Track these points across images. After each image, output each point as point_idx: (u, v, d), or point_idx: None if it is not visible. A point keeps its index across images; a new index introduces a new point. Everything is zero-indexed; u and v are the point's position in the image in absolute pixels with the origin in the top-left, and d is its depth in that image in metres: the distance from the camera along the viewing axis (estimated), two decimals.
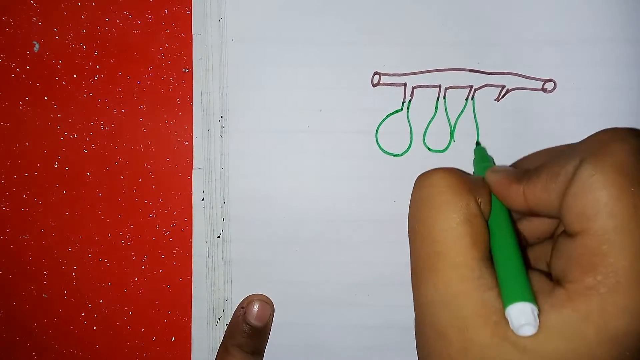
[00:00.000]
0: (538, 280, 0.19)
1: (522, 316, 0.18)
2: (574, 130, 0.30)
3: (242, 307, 0.31)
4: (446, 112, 0.30)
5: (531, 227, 0.24)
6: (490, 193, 0.23)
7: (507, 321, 0.18)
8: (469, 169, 0.30)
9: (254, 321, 0.31)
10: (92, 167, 0.32)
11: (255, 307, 0.31)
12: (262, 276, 0.32)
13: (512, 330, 0.18)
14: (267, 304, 0.31)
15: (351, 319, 0.32)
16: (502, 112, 0.30)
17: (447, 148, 0.31)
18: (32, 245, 0.33)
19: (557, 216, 0.20)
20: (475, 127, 0.30)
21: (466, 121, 0.30)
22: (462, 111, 0.30)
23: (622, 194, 0.18)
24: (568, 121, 0.30)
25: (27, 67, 0.32)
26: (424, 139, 0.31)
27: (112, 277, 0.33)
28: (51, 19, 0.32)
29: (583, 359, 0.17)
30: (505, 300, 0.18)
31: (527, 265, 0.20)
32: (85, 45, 0.32)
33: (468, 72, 0.30)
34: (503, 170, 0.23)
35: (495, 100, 0.30)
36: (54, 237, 0.33)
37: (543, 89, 0.30)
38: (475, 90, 0.30)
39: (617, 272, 0.17)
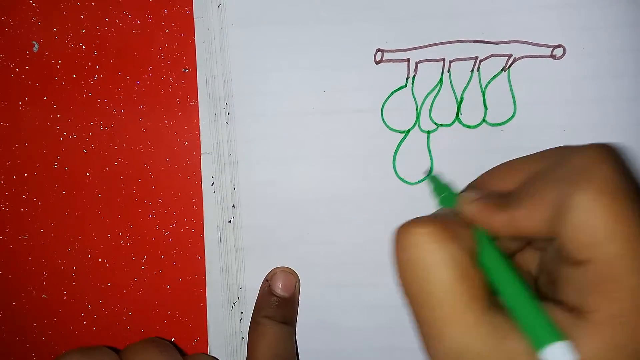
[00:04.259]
0: (555, 313, 0.19)
1: (561, 357, 0.17)
2: (587, 95, 0.30)
3: (267, 280, 0.31)
4: (452, 85, 0.30)
5: (508, 242, 0.23)
6: (469, 228, 0.21)
7: None
8: (477, 142, 0.30)
9: (280, 292, 0.31)
10: (91, 168, 0.32)
11: (280, 278, 0.31)
12: (274, 261, 0.32)
13: None
14: (291, 274, 0.31)
15: (365, 299, 0.32)
16: (510, 82, 0.30)
17: (453, 122, 0.31)
18: (32, 245, 0.33)
19: (547, 239, 0.20)
20: (482, 99, 0.30)
21: (473, 94, 0.30)
22: (467, 84, 0.30)
23: (618, 216, 0.18)
24: (580, 87, 0.30)
25: (27, 67, 0.32)
26: (430, 114, 0.30)
27: (112, 277, 0.33)
28: (51, 19, 0.32)
29: None
30: (536, 345, 0.18)
31: (537, 297, 0.20)
32: (85, 45, 0.32)
33: (472, 43, 0.30)
34: (479, 198, 0.22)
35: (502, 70, 0.30)
36: (54, 238, 0.33)
37: (552, 56, 0.30)
38: (480, 61, 0.30)
39: (635, 295, 0.17)
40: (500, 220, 0.20)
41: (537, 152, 0.23)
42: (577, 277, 0.18)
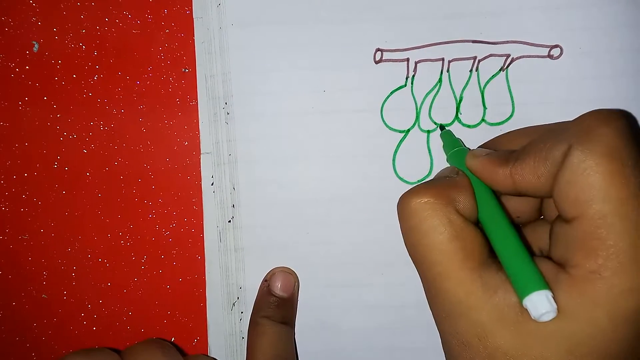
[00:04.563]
0: (543, 266, 0.20)
1: (540, 304, 0.18)
2: (584, 95, 0.30)
3: (266, 280, 0.31)
4: (451, 85, 0.30)
5: (517, 205, 0.25)
6: (470, 189, 0.23)
7: (523, 315, 0.19)
8: (476, 142, 0.30)
9: (279, 292, 0.31)
10: (91, 167, 0.32)
11: (279, 279, 0.31)
12: (274, 261, 0.32)
13: (533, 321, 0.18)
14: (290, 275, 0.31)
15: (365, 299, 0.32)
16: (508, 82, 0.30)
17: (453, 121, 0.31)
18: (32, 245, 0.33)
19: (547, 196, 0.21)
20: (481, 98, 0.30)
21: (472, 93, 0.30)
22: (467, 83, 0.30)
23: (614, 177, 0.18)
24: (577, 87, 0.30)
25: (27, 67, 0.32)
26: (429, 114, 0.30)
27: (112, 277, 0.33)
28: (50, 19, 0.32)
29: (601, 343, 0.18)
30: (520, 293, 0.19)
31: (530, 251, 0.20)
32: (85, 45, 0.32)
33: (471, 43, 0.30)
34: (484, 153, 0.23)
35: (500, 70, 0.30)
36: (54, 238, 0.33)
37: (549, 56, 0.30)
38: (479, 61, 0.30)
39: (618, 254, 0.18)
40: (502, 175, 0.22)
41: (547, 124, 0.24)
42: (565, 233, 0.19)
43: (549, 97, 0.30)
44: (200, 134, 0.32)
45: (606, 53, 0.30)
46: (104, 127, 0.32)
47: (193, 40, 0.32)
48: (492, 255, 0.21)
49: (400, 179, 0.31)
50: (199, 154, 0.32)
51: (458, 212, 0.21)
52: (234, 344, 0.32)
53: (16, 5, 0.32)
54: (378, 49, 0.30)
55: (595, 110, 0.20)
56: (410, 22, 0.30)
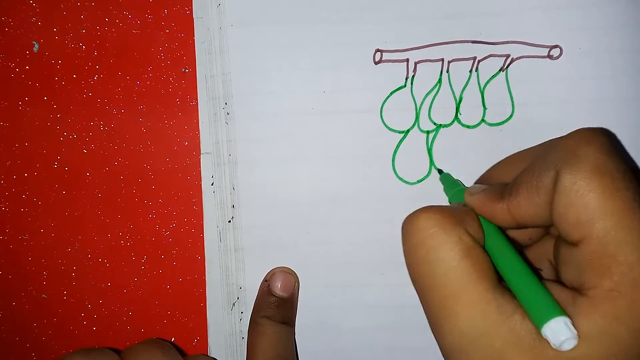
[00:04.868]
0: (557, 292, 0.19)
1: (560, 332, 0.18)
2: (583, 95, 0.30)
3: (266, 281, 0.31)
4: (450, 85, 0.30)
5: (521, 233, 0.24)
6: (477, 217, 0.22)
7: (541, 342, 0.18)
8: (476, 143, 0.30)
9: (279, 292, 0.31)
10: (91, 167, 0.32)
11: (279, 279, 0.31)
12: (274, 261, 0.32)
13: (552, 348, 0.18)
14: (290, 275, 0.31)
15: (366, 299, 0.32)
16: (508, 82, 0.30)
17: (453, 122, 0.31)
18: (32, 245, 0.33)
19: (547, 224, 0.20)
20: (481, 99, 0.30)
21: (472, 93, 0.30)
22: (466, 83, 0.30)
23: (607, 192, 0.18)
24: (576, 87, 0.30)
25: (27, 67, 0.32)
26: (429, 114, 0.31)
27: (112, 277, 0.33)
28: (51, 19, 0.32)
29: None
30: (537, 321, 0.18)
31: (540, 278, 0.20)
32: (85, 45, 0.32)
33: (471, 43, 0.30)
34: (480, 190, 0.23)
35: (500, 70, 0.30)
36: (54, 238, 0.33)
37: (549, 56, 0.30)
38: (479, 61, 0.30)
39: (631, 267, 0.18)
40: (500, 210, 0.21)
41: (537, 145, 0.23)
42: (574, 256, 0.19)
43: (548, 97, 0.30)
44: (200, 134, 0.32)
45: (606, 53, 0.30)
46: (104, 127, 0.32)
47: (193, 41, 0.32)
48: (502, 280, 0.20)
49: (400, 179, 0.31)
50: (199, 154, 0.32)
51: (468, 233, 0.20)
52: (234, 344, 0.32)
53: (16, 5, 0.32)
54: (378, 50, 0.30)
55: (575, 131, 0.20)
56: (410, 22, 0.30)
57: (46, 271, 0.33)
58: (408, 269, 0.21)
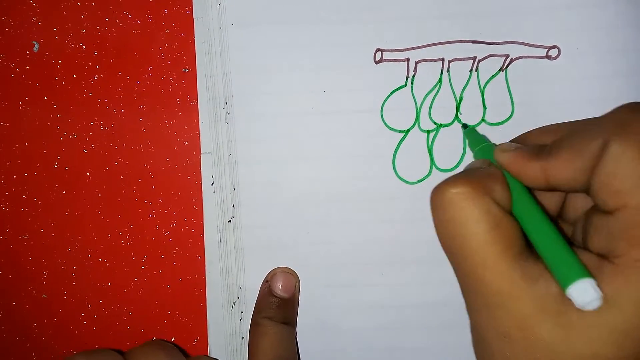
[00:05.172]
0: (585, 257, 0.20)
1: (585, 293, 0.18)
2: (582, 95, 0.30)
3: (267, 281, 0.31)
4: (451, 85, 0.30)
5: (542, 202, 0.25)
6: (504, 180, 0.22)
7: (565, 305, 0.19)
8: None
9: (280, 292, 0.31)
10: (91, 167, 0.32)
11: (280, 279, 0.31)
12: (274, 261, 0.32)
13: (575, 313, 0.18)
14: (291, 275, 0.31)
15: (366, 299, 0.32)
16: (507, 82, 0.30)
17: (453, 121, 0.31)
18: (32, 245, 0.33)
19: (579, 190, 0.21)
20: (481, 98, 0.31)
21: (472, 93, 0.31)
22: (467, 83, 0.30)
23: None
24: (575, 87, 0.30)
25: (27, 67, 0.32)
26: (429, 114, 0.31)
27: (112, 277, 0.33)
28: (51, 19, 0.32)
29: None
30: (563, 282, 0.19)
31: (569, 242, 0.20)
32: (85, 45, 0.32)
33: (471, 43, 0.30)
34: (514, 148, 0.23)
35: (500, 70, 0.30)
36: (54, 237, 0.33)
37: (547, 56, 0.30)
38: (479, 61, 0.30)
39: None
40: (533, 169, 0.21)
41: (574, 120, 0.24)
42: (607, 225, 0.19)
43: (548, 97, 0.30)
44: (201, 134, 0.32)
45: (604, 53, 0.30)
46: (104, 127, 0.32)
47: (193, 40, 0.32)
48: (529, 246, 0.21)
49: (400, 179, 0.31)
50: (199, 154, 0.32)
51: (495, 202, 0.21)
52: (234, 344, 0.32)
53: (16, 5, 0.32)
54: (378, 49, 0.31)
55: (627, 104, 0.20)
56: (410, 22, 0.30)
57: (46, 271, 0.33)
58: (440, 240, 0.22)
